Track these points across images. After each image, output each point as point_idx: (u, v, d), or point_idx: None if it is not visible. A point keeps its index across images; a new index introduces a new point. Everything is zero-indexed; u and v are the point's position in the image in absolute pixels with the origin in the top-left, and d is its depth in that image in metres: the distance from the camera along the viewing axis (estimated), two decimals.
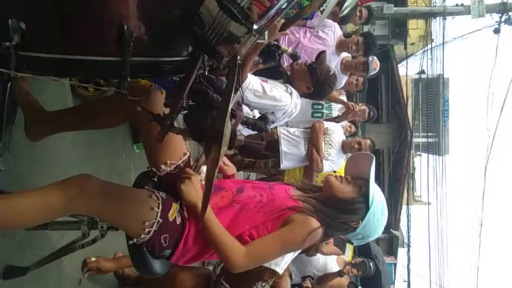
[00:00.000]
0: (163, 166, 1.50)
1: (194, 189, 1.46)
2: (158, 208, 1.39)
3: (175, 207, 1.45)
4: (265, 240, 1.45)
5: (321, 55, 2.79)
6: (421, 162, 12.48)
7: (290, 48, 2.62)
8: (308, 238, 1.45)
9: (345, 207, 1.54)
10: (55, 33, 1.11)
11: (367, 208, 1.53)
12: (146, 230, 1.37)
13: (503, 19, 8.61)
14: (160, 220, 1.38)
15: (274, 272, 2.09)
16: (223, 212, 1.48)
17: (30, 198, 1.32)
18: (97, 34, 1.09)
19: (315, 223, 1.46)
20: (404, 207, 11.45)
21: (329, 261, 3.71)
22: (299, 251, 2.01)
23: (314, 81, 2.71)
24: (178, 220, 1.45)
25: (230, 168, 1.73)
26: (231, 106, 1.08)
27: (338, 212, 1.53)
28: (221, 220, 1.45)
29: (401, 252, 11.70)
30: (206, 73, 1.37)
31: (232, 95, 1.07)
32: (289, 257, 2.13)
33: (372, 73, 4.06)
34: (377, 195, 1.57)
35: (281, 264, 2.10)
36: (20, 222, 1.40)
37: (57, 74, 1.26)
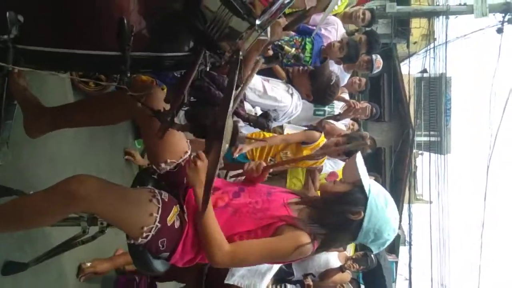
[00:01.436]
0: (163, 165, 1.49)
1: (197, 174, 1.40)
2: (157, 213, 1.38)
3: (175, 210, 1.44)
4: (252, 244, 1.43)
5: (322, 66, 2.73)
6: (423, 161, 12.47)
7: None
8: (294, 253, 1.41)
9: (342, 199, 1.48)
10: (54, 27, 1.09)
11: (366, 198, 1.47)
12: (144, 234, 1.37)
13: (506, 19, 8.56)
14: (159, 225, 1.38)
15: None
16: (217, 213, 1.46)
17: (32, 204, 1.35)
18: (96, 28, 1.08)
19: (304, 238, 1.41)
20: (405, 205, 11.43)
21: (330, 257, 3.70)
22: (278, 266, 2.00)
23: (314, 90, 2.66)
24: (177, 224, 1.44)
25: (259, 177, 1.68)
26: (233, 102, 1.07)
27: (335, 205, 1.48)
28: None
29: (403, 250, 11.70)
30: (209, 70, 1.36)
31: (234, 91, 1.05)
32: (268, 279, 2.13)
33: (375, 71, 4.05)
34: (374, 186, 1.51)
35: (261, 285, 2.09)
36: (23, 227, 1.41)
37: (56, 68, 1.25)
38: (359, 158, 1.52)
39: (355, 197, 1.48)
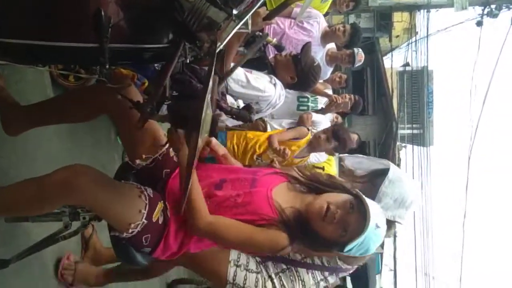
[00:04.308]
0: (138, 161, 1.49)
1: (178, 138, 1.35)
2: (145, 210, 1.39)
3: (159, 206, 1.44)
4: (233, 223, 1.42)
5: (306, 46, 2.79)
6: (406, 153, 12.65)
7: (275, 39, 2.61)
8: (269, 249, 1.43)
9: (320, 244, 1.47)
10: (31, 18, 1.08)
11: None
12: (130, 230, 1.37)
13: (485, 12, 8.72)
14: (145, 221, 1.38)
15: None
16: None
17: (24, 192, 1.34)
18: (73, 19, 1.07)
19: (283, 240, 1.41)
20: None
21: None
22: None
23: (298, 72, 2.72)
24: (161, 220, 1.44)
25: (221, 148, 1.68)
26: (209, 92, 1.07)
27: (311, 243, 1.48)
28: None
29: (388, 241, 11.87)
30: (190, 63, 1.36)
31: (211, 81, 1.06)
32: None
33: (357, 65, 4.09)
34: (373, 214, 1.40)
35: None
36: (11, 214, 1.39)
37: (34, 61, 1.24)
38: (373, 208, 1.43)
39: (333, 249, 1.47)
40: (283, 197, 1.48)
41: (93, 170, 1.34)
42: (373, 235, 1.41)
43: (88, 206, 1.50)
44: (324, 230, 1.43)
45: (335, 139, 2.89)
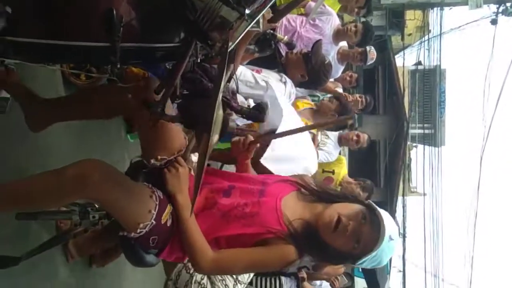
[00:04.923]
0: (152, 161, 1.48)
1: (178, 180, 1.43)
2: (155, 210, 1.37)
3: (168, 209, 1.43)
4: (236, 253, 1.40)
5: (316, 44, 2.77)
6: (417, 153, 12.52)
7: (286, 36, 2.58)
8: (279, 265, 1.40)
9: (331, 256, 1.44)
10: (43, 17, 1.07)
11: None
12: (138, 230, 1.36)
13: (500, 10, 8.58)
14: (154, 222, 1.37)
15: None
16: (204, 214, 1.45)
17: (41, 182, 1.32)
18: (85, 19, 1.06)
19: (292, 255, 1.37)
20: (400, 198, 11.49)
21: None
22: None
23: (309, 70, 2.70)
24: (169, 222, 1.43)
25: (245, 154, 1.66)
26: (221, 92, 1.06)
27: (322, 256, 1.46)
28: (200, 222, 1.42)
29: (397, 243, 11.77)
30: (201, 62, 1.34)
31: (223, 82, 1.04)
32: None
33: (369, 63, 4.06)
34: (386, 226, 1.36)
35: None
36: (31, 204, 1.40)
37: (45, 60, 1.24)
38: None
39: (345, 261, 1.47)
40: (292, 207, 1.45)
41: (108, 167, 1.33)
42: (387, 247, 1.36)
43: (100, 202, 1.48)
44: (336, 242, 1.39)
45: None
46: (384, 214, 1.39)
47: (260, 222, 1.39)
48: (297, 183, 1.54)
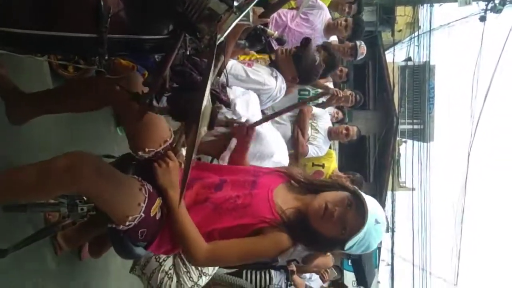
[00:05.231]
0: (140, 153, 1.48)
1: (169, 175, 1.44)
2: (144, 203, 1.38)
3: (158, 202, 1.43)
4: (230, 244, 1.42)
5: (306, 42, 2.74)
6: (406, 149, 12.65)
7: (276, 32, 2.57)
8: (274, 253, 1.43)
9: (321, 243, 1.48)
10: (30, 8, 1.07)
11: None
12: (127, 223, 1.36)
13: (489, 7, 8.67)
14: (143, 215, 1.37)
15: None
16: (196, 208, 1.45)
17: (29, 173, 1.31)
18: (73, 9, 1.06)
19: (285, 242, 1.40)
20: (389, 192, 11.61)
21: None
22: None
23: (299, 71, 2.67)
24: (158, 216, 1.44)
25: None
26: (209, 85, 1.06)
27: (313, 243, 1.48)
28: (192, 215, 1.43)
29: (386, 236, 11.91)
30: (191, 56, 1.34)
31: (211, 74, 1.05)
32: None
33: (359, 58, 4.08)
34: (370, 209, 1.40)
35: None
36: (17, 196, 1.40)
37: (33, 51, 1.23)
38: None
39: (334, 246, 1.49)
40: (283, 197, 1.49)
41: (97, 159, 1.33)
42: (373, 230, 1.40)
43: (88, 194, 1.47)
44: (324, 228, 1.43)
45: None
46: (369, 199, 1.44)
47: (252, 213, 1.42)
48: (287, 175, 1.58)
